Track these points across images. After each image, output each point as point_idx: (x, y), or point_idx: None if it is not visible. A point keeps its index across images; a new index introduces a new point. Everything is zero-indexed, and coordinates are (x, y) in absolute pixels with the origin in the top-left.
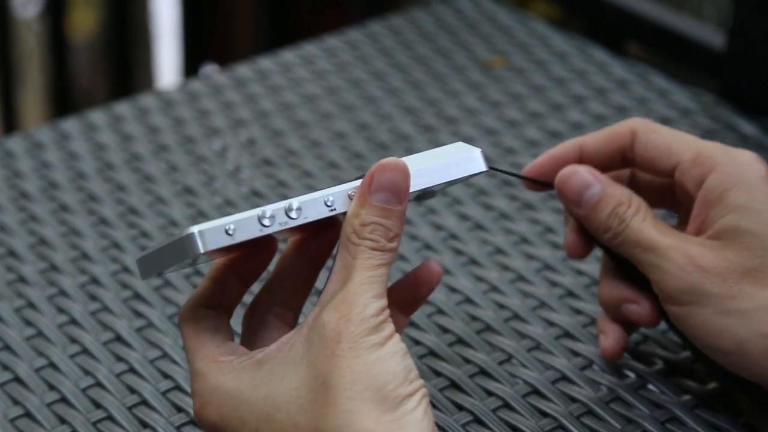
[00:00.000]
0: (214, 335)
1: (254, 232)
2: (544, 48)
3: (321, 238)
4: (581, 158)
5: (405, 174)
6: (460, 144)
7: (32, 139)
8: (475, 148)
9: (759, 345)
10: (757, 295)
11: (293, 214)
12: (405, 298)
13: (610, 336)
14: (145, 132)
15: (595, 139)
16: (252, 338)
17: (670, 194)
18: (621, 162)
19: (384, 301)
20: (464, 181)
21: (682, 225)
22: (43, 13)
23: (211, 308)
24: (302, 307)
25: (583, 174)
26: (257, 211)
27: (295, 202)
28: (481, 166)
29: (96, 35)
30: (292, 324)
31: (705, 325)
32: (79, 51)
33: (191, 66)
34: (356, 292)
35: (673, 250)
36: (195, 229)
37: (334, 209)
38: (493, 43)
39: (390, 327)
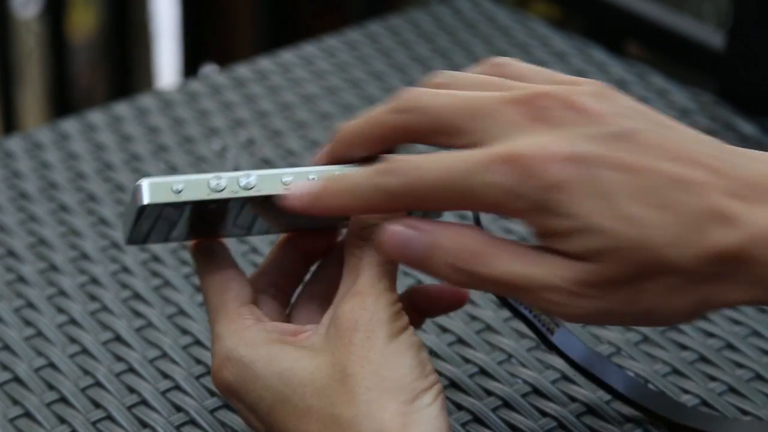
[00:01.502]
0: (238, 294)
1: (202, 194)
2: (543, 48)
3: (317, 237)
4: None
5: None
6: None
7: (32, 139)
8: None
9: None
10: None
11: (245, 185)
12: (422, 304)
13: None
14: (145, 132)
15: None
16: None
17: None
18: None
19: (395, 294)
20: None
21: None
22: (42, 14)
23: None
24: (293, 292)
25: (396, 230)
26: (210, 175)
27: (252, 174)
28: None
29: (96, 35)
30: (285, 304)
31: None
32: (78, 51)
33: (191, 66)
34: (368, 283)
35: (547, 288)
36: (144, 181)
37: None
38: (492, 44)
39: (404, 318)
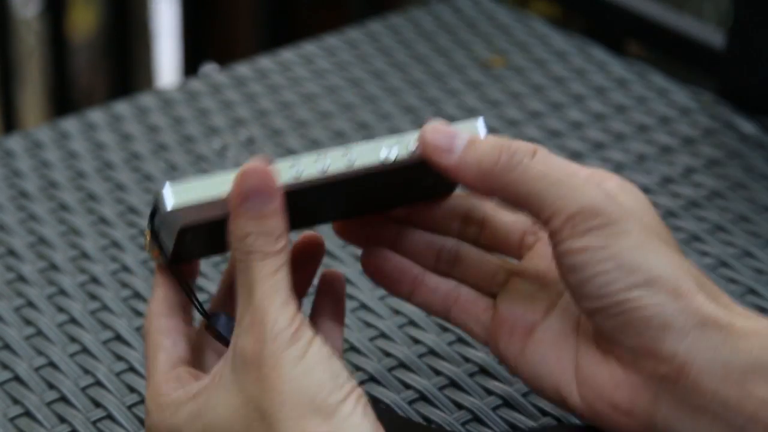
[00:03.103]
0: (170, 354)
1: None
2: (543, 47)
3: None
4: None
5: (265, 174)
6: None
7: (32, 138)
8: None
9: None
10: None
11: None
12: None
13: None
14: (145, 131)
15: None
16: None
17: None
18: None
19: (293, 306)
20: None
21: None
22: (42, 13)
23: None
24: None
25: (445, 126)
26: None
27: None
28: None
29: (96, 35)
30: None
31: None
32: (78, 50)
33: (191, 65)
34: (262, 308)
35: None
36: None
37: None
38: (492, 42)
39: (308, 333)
